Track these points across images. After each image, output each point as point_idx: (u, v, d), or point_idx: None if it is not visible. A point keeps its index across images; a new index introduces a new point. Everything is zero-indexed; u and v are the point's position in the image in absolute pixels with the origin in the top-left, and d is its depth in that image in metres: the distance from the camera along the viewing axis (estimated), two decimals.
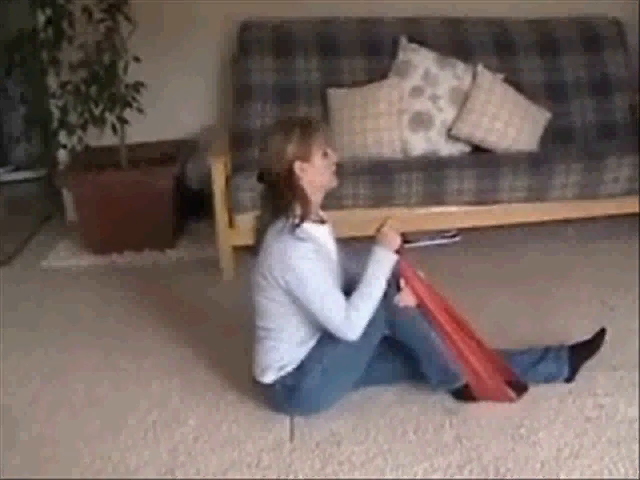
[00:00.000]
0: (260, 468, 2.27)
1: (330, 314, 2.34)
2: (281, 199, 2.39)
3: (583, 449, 2.28)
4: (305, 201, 2.39)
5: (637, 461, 2.21)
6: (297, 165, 2.36)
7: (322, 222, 2.51)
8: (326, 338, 2.42)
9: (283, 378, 2.43)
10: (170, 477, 2.25)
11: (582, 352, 2.63)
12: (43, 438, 2.48)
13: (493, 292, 3.39)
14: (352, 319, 2.33)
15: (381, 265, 2.40)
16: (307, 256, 2.33)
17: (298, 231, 2.34)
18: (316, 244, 2.39)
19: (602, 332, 2.68)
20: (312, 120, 2.54)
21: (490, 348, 2.55)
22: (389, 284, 2.41)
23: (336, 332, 2.36)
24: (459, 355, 2.46)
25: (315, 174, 2.39)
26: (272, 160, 2.39)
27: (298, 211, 2.37)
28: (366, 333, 2.36)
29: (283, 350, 2.44)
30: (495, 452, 2.28)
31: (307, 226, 2.38)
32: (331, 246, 2.52)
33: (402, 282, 2.43)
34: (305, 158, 2.36)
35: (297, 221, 2.35)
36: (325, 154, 2.40)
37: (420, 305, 2.45)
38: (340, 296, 2.36)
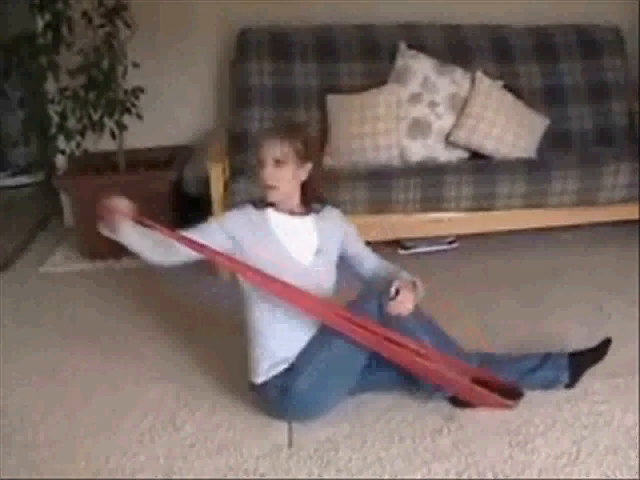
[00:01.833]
0: (257, 474, 2.26)
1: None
2: None
3: (581, 456, 2.28)
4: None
5: (636, 468, 2.21)
6: None
7: (301, 215, 2.55)
8: (318, 339, 2.42)
9: (275, 378, 2.43)
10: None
11: (584, 360, 2.62)
12: (40, 439, 2.48)
13: (491, 298, 3.39)
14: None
15: None
16: (236, 210, 2.53)
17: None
18: (263, 222, 2.49)
19: (607, 341, 2.67)
20: (272, 128, 2.78)
21: (471, 366, 2.50)
22: (382, 292, 2.41)
23: None
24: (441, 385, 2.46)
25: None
26: None
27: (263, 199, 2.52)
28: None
29: (265, 346, 2.45)
30: (492, 458, 2.28)
31: (269, 211, 2.51)
32: (288, 236, 2.51)
33: (393, 290, 2.41)
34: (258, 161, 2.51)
35: (260, 204, 2.52)
36: (260, 162, 2.48)
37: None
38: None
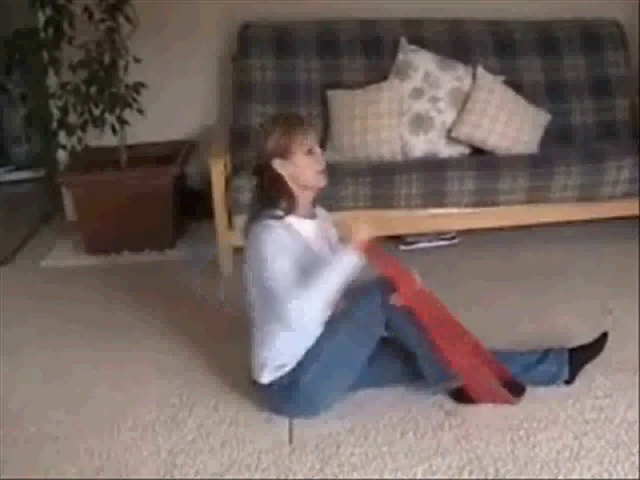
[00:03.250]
0: (259, 469, 2.27)
1: (272, 296, 2.29)
2: (267, 194, 2.41)
3: (582, 451, 2.28)
4: (289, 197, 2.39)
5: (637, 463, 2.21)
6: (276, 162, 2.37)
7: (313, 217, 2.51)
8: (324, 337, 2.42)
9: (280, 378, 2.43)
10: (169, 477, 2.25)
11: (583, 355, 2.63)
12: (42, 436, 2.48)
13: (492, 293, 3.39)
14: (293, 306, 2.25)
15: (339, 261, 2.35)
16: (271, 238, 2.31)
17: (274, 220, 2.35)
18: (291, 233, 2.37)
19: (604, 336, 2.68)
20: (297, 116, 2.55)
21: (487, 351, 2.53)
22: (385, 283, 2.41)
23: (278, 319, 2.31)
24: (452, 360, 2.43)
25: (297, 171, 2.38)
26: (257, 155, 2.43)
27: (284, 206, 2.38)
28: (364, 331, 2.36)
29: (278, 346, 2.43)
30: (494, 453, 2.28)
31: (290, 219, 2.39)
32: (316, 242, 2.48)
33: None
34: (284, 155, 2.36)
35: (281, 214, 2.36)
36: (309, 151, 2.39)
37: (410, 309, 2.41)
38: (290, 283, 2.29)
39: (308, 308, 2.28)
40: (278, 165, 2.37)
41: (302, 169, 2.38)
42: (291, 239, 2.35)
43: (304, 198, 2.44)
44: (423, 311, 2.41)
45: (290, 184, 2.39)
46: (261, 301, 2.41)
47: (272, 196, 2.39)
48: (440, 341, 2.40)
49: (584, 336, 2.73)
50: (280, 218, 2.36)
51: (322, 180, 2.43)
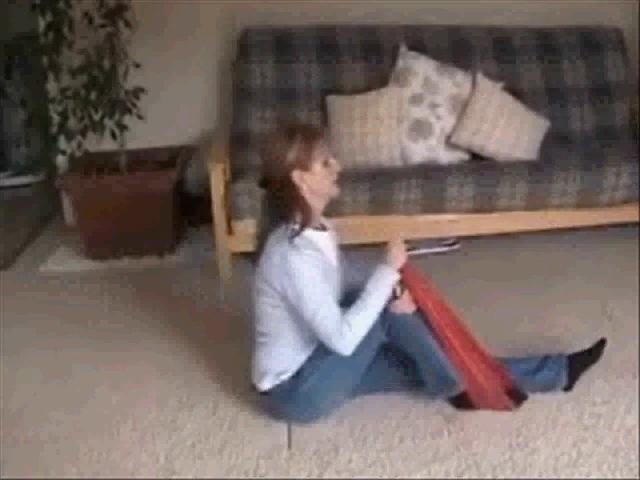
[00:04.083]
0: (257, 475, 2.26)
1: (323, 324, 2.30)
2: (282, 206, 2.37)
3: (581, 457, 2.28)
4: (306, 209, 2.36)
5: (636, 469, 2.21)
6: (296, 174, 2.33)
7: (324, 229, 2.50)
8: (324, 344, 2.41)
9: (280, 384, 2.43)
10: (168, 479, 2.25)
11: (581, 361, 2.63)
12: (41, 438, 2.48)
13: (492, 293, 3.40)
14: (345, 334, 2.29)
15: (381, 283, 2.37)
16: (306, 263, 2.31)
17: (298, 238, 2.32)
18: (316, 251, 2.36)
19: (602, 342, 2.69)
20: (315, 128, 2.54)
21: (493, 358, 2.53)
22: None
23: (328, 344, 2.33)
24: (460, 364, 2.43)
25: (315, 183, 2.36)
26: (272, 167, 2.37)
27: (299, 218, 2.36)
28: (364, 339, 2.36)
29: (282, 356, 2.43)
30: (493, 459, 2.28)
31: (307, 233, 2.37)
32: (331, 253, 2.49)
33: (398, 289, 2.42)
34: (305, 167, 2.34)
35: (297, 228, 2.34)
36: (326, 163, 2.38)
37: (422, 312, 2.43)
38: (335, 307, 2.32)
39: (360, 335, 2.32)
40: (297, 177, 2.34)
41: (320, 180, 2.37)
42: (316, 256, 2.35)
43: (317, 209, 2.43)
44: (442, 319, 2.43)
45: (307, 195, 2.38)
46: (276, 315, 2.41)
47: (288, 208, 2.37)
48: (450, 344, 2.42)
49: (584, 336, 2.74)
50: (298, 233, 2.33)
51: (336, 189, 2.44)
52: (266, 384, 2.45)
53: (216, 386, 2.74)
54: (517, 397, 2.50)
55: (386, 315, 2.39)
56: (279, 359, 2.43)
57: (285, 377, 2.42)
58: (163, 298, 3.53)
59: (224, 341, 3.03)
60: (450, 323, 2.45)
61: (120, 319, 3.32)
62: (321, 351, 2.41)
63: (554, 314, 3.16)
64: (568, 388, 2.60)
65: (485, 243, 3.94)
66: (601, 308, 3.21)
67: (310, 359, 2.43)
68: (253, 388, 2.52)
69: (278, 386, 2.43)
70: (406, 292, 2.42)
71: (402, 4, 4.38)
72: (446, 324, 2.44)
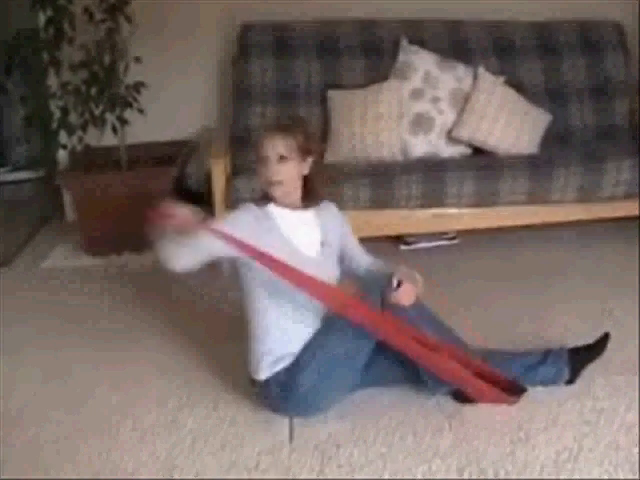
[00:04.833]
0: (259, 470, 2.26)
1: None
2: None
3: (582, 453, 2.27)
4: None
5: (636, 465, 2.20)
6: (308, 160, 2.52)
7: (300, 209, 2.55)
8: (321, 333, 2.42)
9: (277, 374, 2.43)
10: (168, 478, 2.25)
11: (585, 356, 2.63)
12: (41, 438, 2.47)
13: (492, 293, 3.39)
14: None
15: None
16: (242, 210, 2.48)
17: (258, 208, 2.49)
18: (267, 220, 2.47)
19: (605, 337, 2.68)
20: (266, 127, 2.66)
21: (478, 361, 2.49)
22: (384, 283, 2.41)
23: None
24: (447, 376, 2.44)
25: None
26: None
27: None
28: (363, 330, 2.36)
29: (270, 342, 2.44)
30: (494, 455, 2.28)
31: (271, 206, 2.50)
32: (298, 233, 2.51)
33: (395, 281, 2.41)
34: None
35: (260, 199, 2.52)
36: (260, 158, 2.48)
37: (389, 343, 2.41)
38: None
39: None
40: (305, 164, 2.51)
41: (258, 172, 2.52)
42: (261, 220, 2.46)
43: (276, 195, 2.50)
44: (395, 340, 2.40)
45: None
46: (248, 294, 2.49)
47: None
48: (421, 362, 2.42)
49: (584, 336, 2.73)
50: (257, 204, 2.51)
51: (273, 190, 2.49)
52: (263, 373, 2.44)
53: (216, 386, 2.73)
54: (516, 390, 2.49)
55: (384, 307, 2.39)
56: (268, 346, 2.44)
57: (281, 367, 2.42)
58: (163, 295, 3.53)
59: (224, 341, 3.02)
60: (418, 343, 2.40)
61: (120, 319, 3.31)
62: (318, 339, 2.42)
63: (554, 314, 3.16)
64: (570, 382, 2.59)
65: (485, 242, 3.94)
66: (601, 308, 3.20)
67: (306, 348, 2.42)
68: (253, 383, 2.52)
69: (276, 375, 2.42)
70: (404, 285, 2.41)
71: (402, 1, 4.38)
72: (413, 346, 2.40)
